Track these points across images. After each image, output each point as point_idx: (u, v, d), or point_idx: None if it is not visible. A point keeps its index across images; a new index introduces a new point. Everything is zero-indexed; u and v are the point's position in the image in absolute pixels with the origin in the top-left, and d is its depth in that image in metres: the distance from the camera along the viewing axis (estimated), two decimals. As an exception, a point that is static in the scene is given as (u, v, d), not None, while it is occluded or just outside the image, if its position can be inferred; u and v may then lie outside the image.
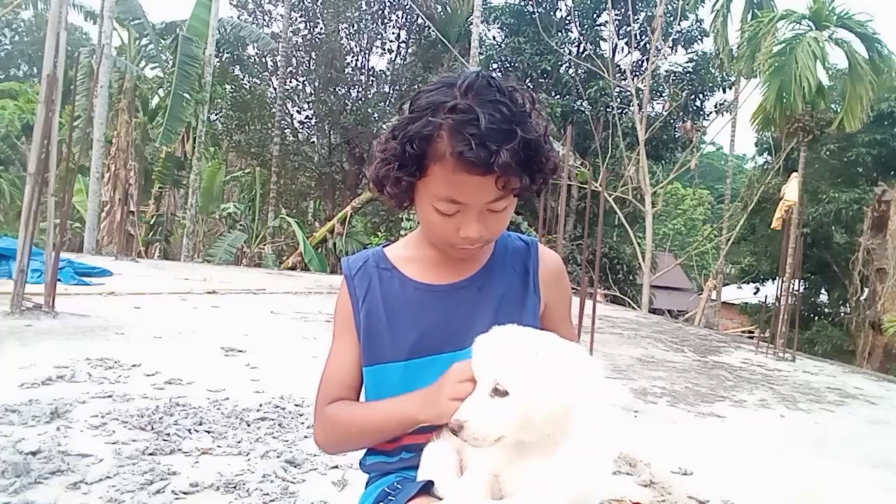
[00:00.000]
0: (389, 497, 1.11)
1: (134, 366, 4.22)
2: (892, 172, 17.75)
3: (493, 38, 22.99)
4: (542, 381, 0.91)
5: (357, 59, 21.96)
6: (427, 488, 1.04)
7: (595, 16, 21.95)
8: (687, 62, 21.55)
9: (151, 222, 18.24)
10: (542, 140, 1.11)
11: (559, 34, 21.42)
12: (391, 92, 22.07)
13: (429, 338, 1.17)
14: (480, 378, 0.96)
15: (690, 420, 4.53)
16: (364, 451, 1.25)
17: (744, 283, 23.87)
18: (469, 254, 1.19)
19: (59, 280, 6.32)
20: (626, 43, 21.37)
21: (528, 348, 0.95)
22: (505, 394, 0.92)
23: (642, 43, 21.00)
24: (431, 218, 1.14)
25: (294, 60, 21.61)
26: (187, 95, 15.74)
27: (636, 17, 20.21)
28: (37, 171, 5.75)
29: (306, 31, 21.63)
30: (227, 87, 21.12)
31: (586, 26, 22.12)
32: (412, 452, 1.15)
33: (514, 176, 1.08)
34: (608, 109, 19.54)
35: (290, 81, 22.10)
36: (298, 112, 22.98)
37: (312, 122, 22.91)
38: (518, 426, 0.92)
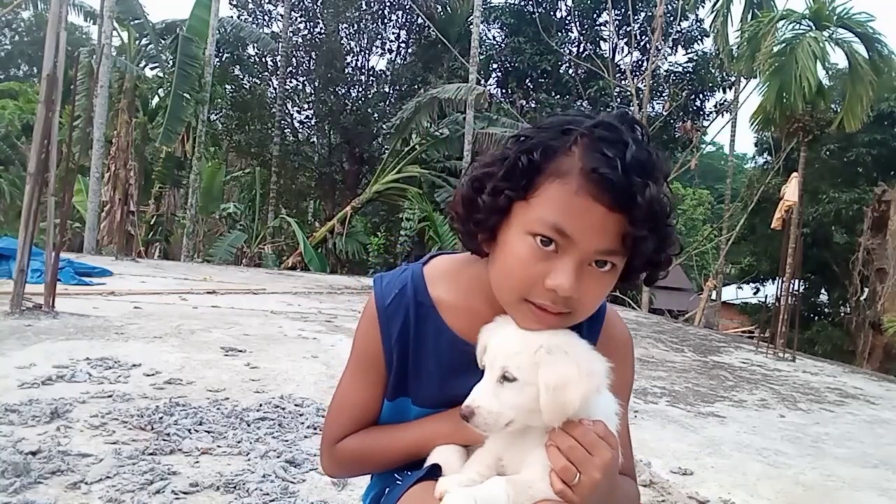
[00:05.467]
0: (397, 482, 1.10)
1: (134, 366, 4.21)
2: (892, 172, 17.75)
3: (493, 38, 23.01)
4: (554, 380, 0.92)
5: (357, 59, 21.97)
6: (434, 473, 1.03)
7: (595, 16, 21.97)
8: (687, 62, 21.60)
9: (151, 222, 18.23)
10: (671, 213, 0.94)
11: (559, 34, 21.43)
12: (391, 92, 22.07)
13: (452, 399, 1.05)
14: (489, 366, 0.97)
15: (690, 420, 4.53)
16: None
17: (744, 283, 23.89)
18: (539, 320, 0.95)
19: (59, 280, 6.32)
20: (626, 43, 21.40)
21: (540, 343, 0.96)
22: (513, 380, 0.94)
23: (642, 43, 21.02)
24: (519, 252, 0.93)
25: (294, 60, 21.62)
26: (187, 95, 15.73)
27: (636, 17, 20.21)
28: (37, 171, 5.75)
29: (306, 31, 21.64)
30: (227, 87, 21.12)
31: (586, 26, 22.14)
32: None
33: (644, 233, 0.89)
34: (608, 109, 19.48)
35: (290, 81, 22.10)
36: (298, 112, 23.01)
37: (312, 122, 22.92)
38: (527, 411, 0.94)
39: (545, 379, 0.92)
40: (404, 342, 1.09)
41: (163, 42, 17.76)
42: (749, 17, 16.66)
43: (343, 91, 21.71)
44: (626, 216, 0.89)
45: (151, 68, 18.82)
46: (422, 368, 1.10)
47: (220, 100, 20.30)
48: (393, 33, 22.43)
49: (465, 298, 1.09)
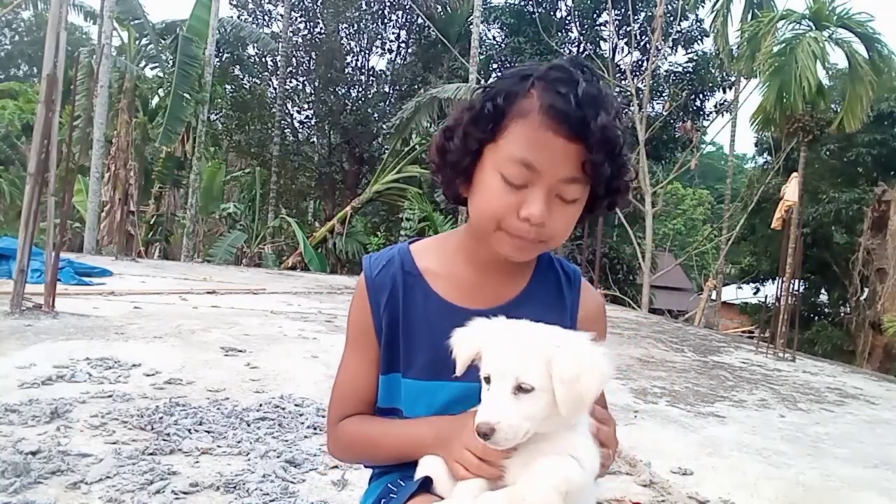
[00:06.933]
0: (391, 494, 1.11)
1: (134, 366, 4.22)
2: (892, 172, 17.75)
3: (493, 38, 22.99)
4: (568, 372, 0.92)
5: (357, 59, 21.99)
6: (426, 485, 1.04)
7: (595, 16, 21.95)
8: (687, 62, 21.58)
9: (151, 222, 18.23)
10: (625, 144, 1.03)
11: (559, 34, 21.41)
12: (391, 92, 22.07)
13: (442, 362, 1.07)
14: (499, 378, 0.94)
15: (690, 420, 4.53)
16: None
17: (744, 283, 23.87)
18: (517, 247, 1.05)
19: (59, 280, 6.32)
20: (626, 43, 21.37)
21: (546, 341, 0.95)
22: (530, 390, 0.93)
23: (642, 43, 21.00)
24: (493, 187, 1.02)
25: (294, 60, 21.62)
26: (187, 95, 15.74)
27: (636, 17, 20.19)
28: (37, 171, 5.75)
29: (306, 31, 21.65)
30: (227, 87, 21.13)
31: (586, 26, 22.12)
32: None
33: (600, 158, 0.98)
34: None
35: (290, 81, 22.11)
36: (298, 112, 23.02)
37: (312, 122, 22.93)
38: (543, 419, 0.93)
39: (560, 373, 0.92)
40: (393, 311, 1.13)
41: (163, 42, 17.77)
42: (749, 17, 16.64)
43: (343, 91, 21.72)
44: (584, 145, 0.98)
45: (151, 68, 18.84)
46: (412, 336, 1.12)
47: (220, 100, 20.31)
48: (393, 33, 22.45)
49: (449, 265, 1.16)
